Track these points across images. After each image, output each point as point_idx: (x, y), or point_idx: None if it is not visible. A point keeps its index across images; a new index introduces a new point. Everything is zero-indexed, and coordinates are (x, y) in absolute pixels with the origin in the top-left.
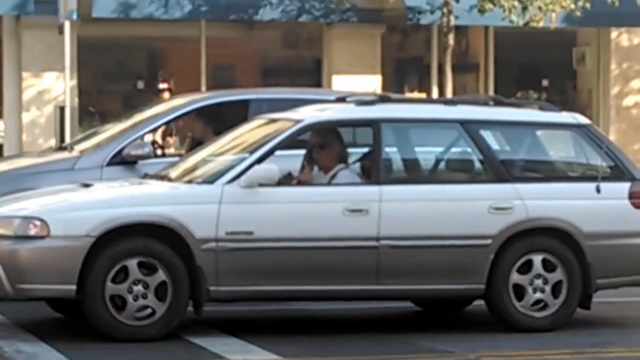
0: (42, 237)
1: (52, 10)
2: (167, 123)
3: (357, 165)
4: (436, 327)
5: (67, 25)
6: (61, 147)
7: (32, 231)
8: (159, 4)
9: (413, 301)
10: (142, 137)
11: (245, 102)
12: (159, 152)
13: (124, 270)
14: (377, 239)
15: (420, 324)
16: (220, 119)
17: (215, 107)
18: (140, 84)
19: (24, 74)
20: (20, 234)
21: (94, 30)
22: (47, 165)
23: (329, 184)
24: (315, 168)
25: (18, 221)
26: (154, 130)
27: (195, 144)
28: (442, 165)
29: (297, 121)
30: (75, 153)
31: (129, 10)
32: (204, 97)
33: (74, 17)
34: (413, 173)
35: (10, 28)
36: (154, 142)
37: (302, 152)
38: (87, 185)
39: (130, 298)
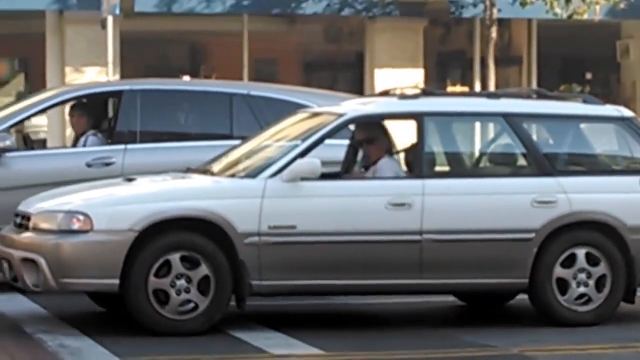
0: (85, 232)
1: (94, 5)
2: (33, 115)
3: (401, 158)
4: (479, 321)
5: (109, 20)
6: None
7: (76, 225)
8: None
9: (456, 295)
10: (7, 129)
11: (118, 93)
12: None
13: (167, 265)
14: (420, 232)
15: (462, 318)
16: (94, 111)
17: (88, 99)
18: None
19: (67, 69)
20: (63, 228)
21: (136, 25)
22: None
23: (373, 177)
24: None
25: (61, 215)
26: (20, 122)
27: (75, 137)
28: (485, 158)
29: (340, 115)
30: None
31: (171, 4)
32: (75, 89)
33: (117, 11)
34: (456, 166)
35: (53, 23)
36: (25, 136)
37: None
38: (130, 180)
39: (173, 292)
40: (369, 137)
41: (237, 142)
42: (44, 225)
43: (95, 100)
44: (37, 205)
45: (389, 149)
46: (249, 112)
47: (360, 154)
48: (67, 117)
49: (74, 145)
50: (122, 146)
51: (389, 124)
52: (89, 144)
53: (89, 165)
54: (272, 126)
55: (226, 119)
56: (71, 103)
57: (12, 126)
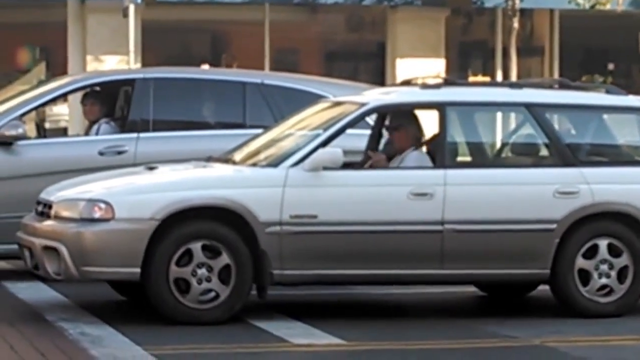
0: (106, 220)
1: None
2: (44, 104)
3: (422, 148)
4: (500, 312)
5: (131, 8)
6: None
7: (97, 214)
8: None
9: (477, 286)
10: (19, 117)
11: (131, 81)
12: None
13: (188, 254)
14: (442, 222)
15: (484, 308)
16: (107, 99)
17: (101, 87)
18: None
19: (89, 58)
20: (85, 216)
21: (158, 14)
22: None
23: (397, 167)
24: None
25: (83, 204)
26: (33, 110)
27: (88, 126)
28: (507, 148)
29: (362, 104)
30: None
31: None
32: (87, 77)
33: (138, 0)
34: (478, 157)
35: (75, 12)
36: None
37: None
38: (151, 168)
39: (194, 281)
40: (395, 126)
41: (250, 131)
42: (65, 213)
43: (108, 89)
44: (58, 193)
45: (416, 139)
46: (263, 101)
47: (382, 143)
48: None
49: (87, 133)
50: (134, 134)
51: (418, 113)
52: (101, 132)
53: (101, 153)
54: (294, 115)
55: (239, 107)
56: (84, 91)
57: (24, 114)
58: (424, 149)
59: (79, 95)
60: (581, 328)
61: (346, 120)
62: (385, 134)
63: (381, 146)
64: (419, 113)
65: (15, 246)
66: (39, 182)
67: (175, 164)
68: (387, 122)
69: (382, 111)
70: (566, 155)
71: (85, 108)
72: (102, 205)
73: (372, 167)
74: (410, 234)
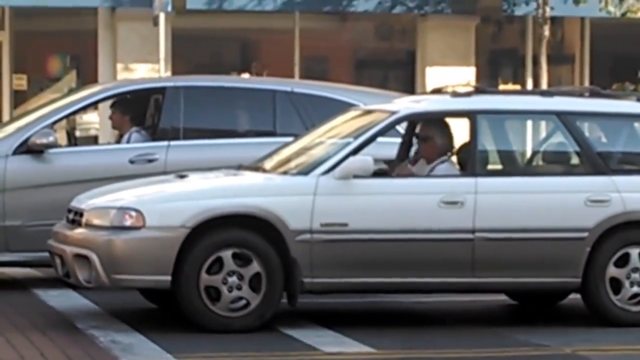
0: (137, 228)
1: (146, 2)
2: (75, 112)
3: (453, 157)
4: (531, 320)
5: (161, 17)
6: None
7: (128, 222)
8: None
9: (508, 294)
10: (50, 125)
11: (162, 90)
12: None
13: (219, 262)
14: (473, 231)
15: (514, 317)
16: (136, 108)
17: (130, 96)
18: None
19: (119, 66)
20: (116, 224)
21: (188, 22)
22: None
23: (427, 175)
24: (420, 161)
25: (114, 212)
26: (64, 119)
27: (119, 134)
28: (538, 157)
29: (393, 112)
30: None
31: (222, 2)
32: (116, 85)
33: (169, 9)
34: (509, 165)
35: (105, 20)
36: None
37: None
38: (182, 176)
39: (224, 289)
40: (424, 136)
41: (280, 139)
42: (96, 221)
43: (139, 97)
44: (89, 201)
45: (445, 149)
46: (293, 109)
47: (412, 152)
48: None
49: (118, 142)
50: (165, 143)
51: (449, 123)
52: (132, 140)
53: (131, 161)
54: (324, 123)
55: (269, 116)
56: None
57: (55, 122)
58: (454, 158)
59: (109, 103)
60: (612, 337)
61: (377, 129)
62: (415, 142)
63: (411, 154)
64: (449, 122)
65: (46, 254)
66: (70, 190)
67: (205, 172)
68: (417, 131)
69: (413, 119)
70: (597, 163)
71: (115, 117)
72: (133, 213)
73: (399, 175)
74: (441, 242)
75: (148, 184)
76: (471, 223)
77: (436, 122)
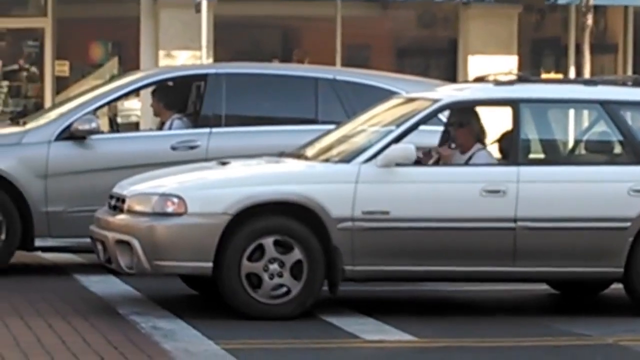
0: (179, 215)
1: None
2: (117, 99)
3: (495, 145)
4: (572, 310)
5: (204, 3)
6: (15, 121)
7: (170, 208)
8: None
9: (549, 284)
10: (93, 112)
11: (204, 77)
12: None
13: (260, 249)
14: (515, 220)
15: (556, 306)
16: (177, 94)
17: (172, 82)
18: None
19: (161, 53)
20: (157, 211)
21: (230, 10)
22: None
23: (466, 164)
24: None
25: (156, 198)
26: (106, 105)
27: (161, 121)
28: (580, 146)
29: (435, 100)
30: (25, 127)
31: None
32: (158, 72)
33: None
34: (551, 154)
35: (147, 7)
36: (110, 118)
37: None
38: (224, 163)
39: (266, 276)
40: (460, 121)
41: (322, 127)
42: (138, 207)
43: (181, 84)
44: (131, 187)
45: (479, 136)
46: (335, 97)
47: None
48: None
49: (159, 128)
50: (207, 130)
51: (481, 111)
52: (174, 127)
53: (173, 148)
54: (366, 111)
55: (311, 103)
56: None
57: (97, 109)
58: (493, 147)
59: (150, 90)
60: None
61: (419, 117)
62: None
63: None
64: (484, 110)
65: (88, 240)
66: (112, 176)
67: (247, 159)
68: (451, 119)
69: (455, 108)
70: None
71: (156, 104)
72: (175, 200)
73: (437, 162)
74: (483, 231)
75: (190, 170)
76: (513, 212)
77: (469, 110)
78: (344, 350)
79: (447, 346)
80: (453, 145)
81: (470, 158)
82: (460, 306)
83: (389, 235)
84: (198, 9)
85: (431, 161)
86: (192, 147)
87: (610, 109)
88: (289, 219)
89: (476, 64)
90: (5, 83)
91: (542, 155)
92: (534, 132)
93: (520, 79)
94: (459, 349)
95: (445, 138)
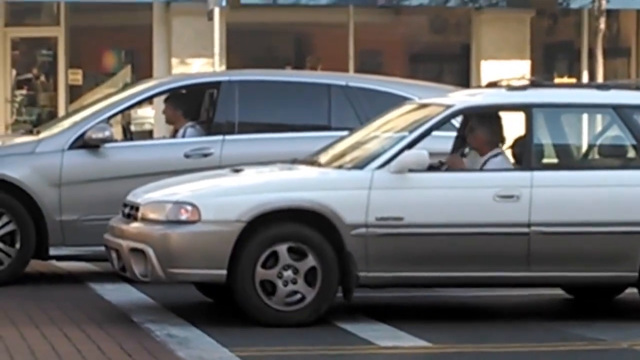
0: (193, 222)
1: None
2: (131, 107)
3: (508, 150)
4: (587, 314)
5: (216, 11)
6: (29, 130)
7: (184, 216)
8: None
9: (564, 288)
10: (106, 120)
11: (217, 84)
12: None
13: (274, 256)
14: (529, 225)
15: (570, 311)
16: (190, 102)
17: (185, 90)
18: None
19: (174, 60)
20: (171, 218)
21: (242, 17)
22: (8, 148)
23: (481, 169)
24: (471, 152)
25: (170, 206)
26: (120, 113)
27: (174, 129)
28: (594, 150)
29: (448, 106)
30: (39, 136)
31: None
32: (171, 80)
33: (223, 3)
34: (565, 158)
35: (160, 15)
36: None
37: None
38: (237, 171)
39: (280, 283)
40: (475, 126)
41: (335, 133)
42: (152, 215)
43: (193, 92)
44: (145, 195)
45: (495, 141)
46: (348, 103)
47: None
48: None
49: (173, 136)
50: (220, 137)
51: (500, 116)
52: (187, 135)
53: (187, 156)
54: (379, 117)
55: (324, 110)
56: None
57: (111, 117)
58: (509, 152)
59: (163, 98)
60: None
61: (432, 122)
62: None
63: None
64: (503, 115)
65: (102, 248)
66: (126, 185)
67: (260, 166)
68: (467, 124)
69: (468, 113)
70: None
71: (169, 112)
72: (189, 208)
73: (449, 169)
74: (497, 236)
75: (203, 178)
76: (527, 217)
77: (488, 115)
78: (358, 357)
79: (462, 352)
80: (467, 150)
81: (485, 163)
82: (475, 312)
83: (402, 241)
84: (210, 17)
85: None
86: (205, 155)
87: (623, 113)
88: (302, 226)
89: (489, 69)
90: (19, 92)
91: (555, 160)
92: (547, 137)
93: (533, 84)
94: (473, 355)
95: (459, 144)
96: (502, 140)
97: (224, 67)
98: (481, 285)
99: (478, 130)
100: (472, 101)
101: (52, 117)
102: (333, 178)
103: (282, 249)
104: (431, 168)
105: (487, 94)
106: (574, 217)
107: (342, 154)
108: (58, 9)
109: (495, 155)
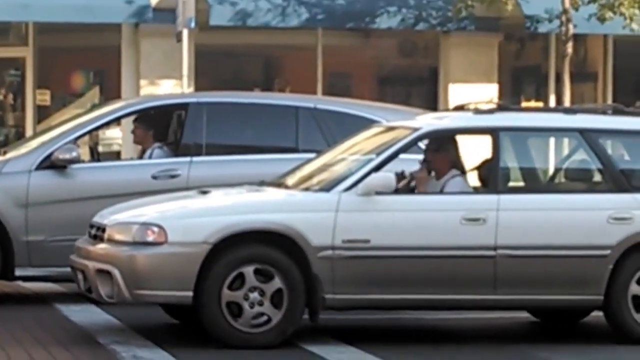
0: (159, 244)
1: (170, 19)
2: (98, 128)
3: (475, 173)
4: (553, 338)
5: (185, 33)
6: None
7: (150, 237)
8: (276, 12)
9: (530, 311)
10: (73, 141)
11: (185, 106)
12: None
13: (241, 277)
14: (495, 248)
15: (536, 335)
16: (159, 123)
17: (153, 111)
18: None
19: (142, 82)
20: (138, 240)
21: (211, 38)
22: None
23: (441, 190)
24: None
25: (136, 227)
26: (87, 134)
27: (141, 150)
28: (560, 174)
29: (415, 129)
30: (6, 156)
31: (246, 18)
32: (139, 101)
33: (192, 25)
34: (531, 182)
35: (128, 36)
36: (91, 147)
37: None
38: (204, 192)
39: (246, 305)
40: (436, 147)
41: (302, 155)
42: (118, 236)
43: (162, 113)
44: (112, 217)
45: (455, 163)
46: (315, 125)
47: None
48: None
49: (140, 157)
50: (187, 159)
51: (460, 139)
52: (154, 156)
53: (154, 177)
54: (346, 140)
55: (292, 132)
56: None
57: (78, 138)
58: (472, 174)
59: (132, 119)
60: (635, 355)
61: (399, 145)
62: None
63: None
64: (465, 139)
65: (68, 269)
66: (93, 206)
67: (228, 188)
68: (429, 145)
69: (435, 136)
70: (620, 181)
71: (137, 132)
72: (155, 229)
73: (416, 184)
74: (463, 259)
75: (170, 199)
76: (493, 240)
77: (447, 137)
78: None
79: None
80: (432, 174)
81: (445, 184)
82: (442, 334)
83: (369, 264)
84: (179, 38)
85: (402, 183)
86: (172, 176)
87: (589, 137)
88: (269, 248)
89: (457, 92)
90: None
91: (522, 184)
92: (513, 160)
93: (500, 108)
94: None
95: (425, 166)
96: (461, 163)
97: (192, 89)
98: (448, 308)
99: (443, 151)
100: (439, 124)
101: (19, 137)
102: (300, 200)
103: (248, 270)
104: (398, 190)
105: (454, 117)
106: (541, 240)
107: (310, 176)
108: (26, 29)
109: (453, 177)
